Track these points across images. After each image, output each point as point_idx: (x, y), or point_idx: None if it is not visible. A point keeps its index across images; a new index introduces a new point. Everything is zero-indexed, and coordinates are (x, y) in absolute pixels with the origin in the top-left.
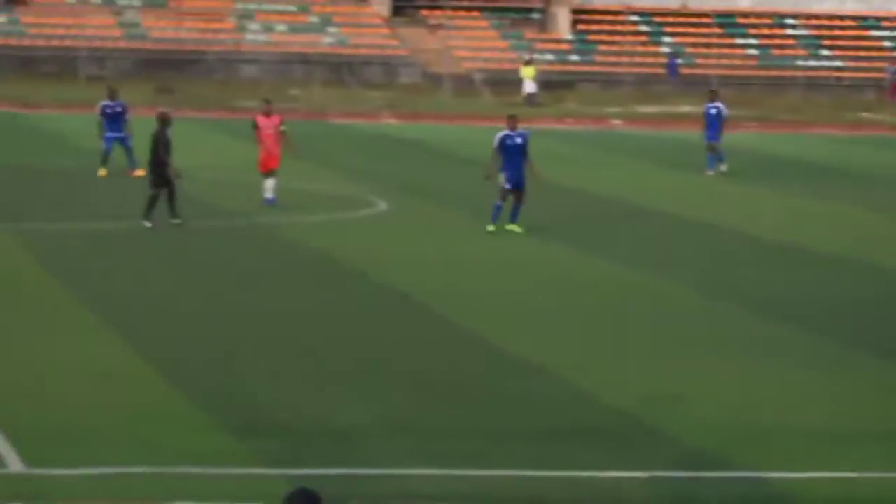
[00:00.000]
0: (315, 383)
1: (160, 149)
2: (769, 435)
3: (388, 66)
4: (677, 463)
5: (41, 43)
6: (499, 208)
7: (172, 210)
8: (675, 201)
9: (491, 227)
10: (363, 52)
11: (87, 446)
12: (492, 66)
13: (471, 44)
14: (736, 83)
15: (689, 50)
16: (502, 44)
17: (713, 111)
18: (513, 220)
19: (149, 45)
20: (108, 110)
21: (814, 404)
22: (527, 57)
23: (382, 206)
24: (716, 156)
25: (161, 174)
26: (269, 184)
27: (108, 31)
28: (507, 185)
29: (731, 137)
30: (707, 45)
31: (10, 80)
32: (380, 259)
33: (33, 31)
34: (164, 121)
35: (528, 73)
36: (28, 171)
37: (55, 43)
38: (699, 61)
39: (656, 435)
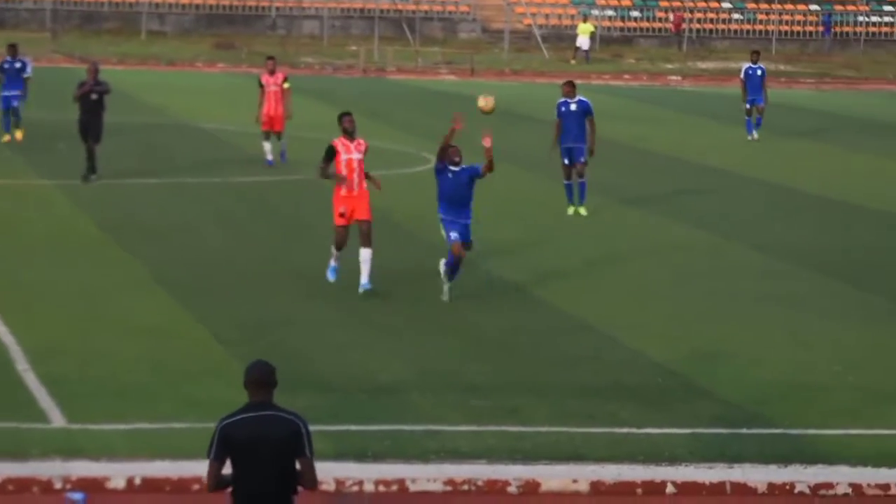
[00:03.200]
0: (361, 339)
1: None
2: (812, 392)
3: (449, 21)
4: (719, 419)
5: None
6: (567, 188)
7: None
8: (732, 158)
9: (570, 210)
10: (424, 7)
11: (130, 402)
12: (553, 21)
13: None
14: (796, 39)
15: (751, 5)
16: None
17: (758, 72)
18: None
19: (211, 1)
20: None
21: (859, 361)
22: (584, 14)
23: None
24: (754, 119)
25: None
26: (267, 146)
27: None
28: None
29: (789, 94)
30: (769, 1)
31: (73, 36)
32: (431, 216)
33: None
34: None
35: (584, 29)
36: None
37: None
38: (760, 17)
39: (698, 392)
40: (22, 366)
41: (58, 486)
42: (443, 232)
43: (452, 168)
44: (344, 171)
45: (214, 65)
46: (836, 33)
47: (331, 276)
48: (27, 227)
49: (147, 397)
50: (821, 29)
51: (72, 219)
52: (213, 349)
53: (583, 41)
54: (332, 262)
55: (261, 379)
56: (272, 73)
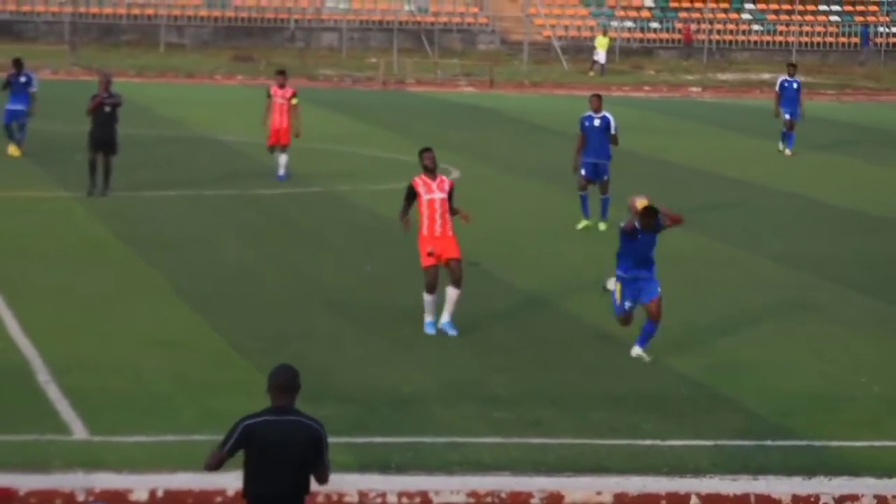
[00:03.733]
0: (381, 351)
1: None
2: (836, 402)
3: (468, 33)
4: (742, 431)
5: (122, 11)
6: (583, 198)
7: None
8: (753, 169)
9: (581, 224)
10: (443, 19)
11: (152, 414)
12: (572, 33)
13: (551, 10)
14: (816, 50)
15: (771, 17)
16: (583, 11)
17: (794, 85)
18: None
19: (229, 13)
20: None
21: (882, 372)
22: (603, 26)
23: (455, 174)
24: (787, 134)
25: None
26: (282, 159)
27: None
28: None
29: (811, 105)
30: (789, 12)
31: (92, 49)
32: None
33: None
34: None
35: (602, 42)
36: None
37: (136, 11)
38: (780, 28)
39: (721, 403)
40: (43, 377)
41: (80, 498)
42: (616, 293)
43: (644, 231)
44: (425, 212)
45: (233, 77)
46: (873, 44)
47: (429, 329)
48: (46, 238)
49: (168, 409)
50: (842, 40)
51: (91, 230)
52: (234, 361)
53: (601, 54)
54: (428, 318)
55: (285, 383)
56: (282, 86)
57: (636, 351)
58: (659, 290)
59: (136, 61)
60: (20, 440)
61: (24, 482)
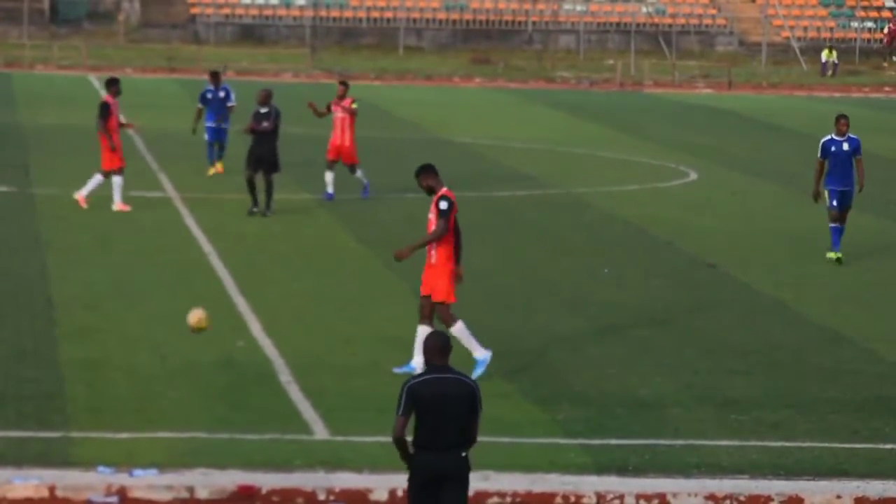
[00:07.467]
0: (619, 354)
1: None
2: None
3: (706, 34)
4: None
5: (362, 14)
6: (835, 231)
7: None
8: None
9: (831, 255)
10: (680, 21)
11: (391, 414)
12: (811, 34)
13: (790, 11)
14: None
15: None
16: (822, 11)
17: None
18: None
19: (468, 16)
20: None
21: None
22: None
23: (693, 176)
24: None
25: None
26: (330, 177)
27: (427, 1)
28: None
29: None
30: None
31: (332, 52)
32: (688, 228)
33: (354, 2)
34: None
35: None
36: None
37: (375, 14)
38: None
39: None
40: (285, 378)
41: (321, 497)
42: None
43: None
44: None
45: (471, 79)
46: None
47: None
48: (288, 240)
49: None
50: None
51: (332, 233)
52: (473, 361)
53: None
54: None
55: (442, 346)
56: (342, 98)
57: None
58: None
59: (375, 64)
60: (263, 439)
61: (266, 480)
